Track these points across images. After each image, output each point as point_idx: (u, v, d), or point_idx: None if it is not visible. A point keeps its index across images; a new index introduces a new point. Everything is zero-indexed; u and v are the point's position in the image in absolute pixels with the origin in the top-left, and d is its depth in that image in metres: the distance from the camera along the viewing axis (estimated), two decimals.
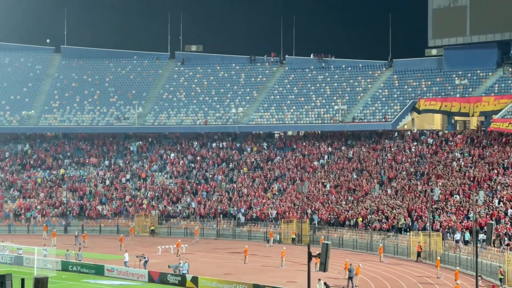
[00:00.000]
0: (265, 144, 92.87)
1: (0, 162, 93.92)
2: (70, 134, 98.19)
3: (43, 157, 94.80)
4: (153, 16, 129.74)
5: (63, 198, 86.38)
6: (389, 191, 75.15)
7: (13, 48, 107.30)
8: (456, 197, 68.71)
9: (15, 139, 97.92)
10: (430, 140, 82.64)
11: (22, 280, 28.67)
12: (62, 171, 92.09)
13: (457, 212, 66.14)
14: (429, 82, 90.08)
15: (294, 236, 73.66)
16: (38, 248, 58.60)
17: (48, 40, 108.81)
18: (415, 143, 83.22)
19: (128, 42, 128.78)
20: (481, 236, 59.04)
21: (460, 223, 63.99)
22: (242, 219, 79.80)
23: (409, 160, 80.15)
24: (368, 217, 70.92)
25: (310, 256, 32.72)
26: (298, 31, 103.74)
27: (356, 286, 51.91)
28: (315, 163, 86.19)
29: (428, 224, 64.74)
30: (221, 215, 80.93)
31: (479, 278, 47.86)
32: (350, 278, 51.45)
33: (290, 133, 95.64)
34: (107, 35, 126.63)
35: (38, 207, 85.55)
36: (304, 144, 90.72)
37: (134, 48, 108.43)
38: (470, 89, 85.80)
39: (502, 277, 51.42)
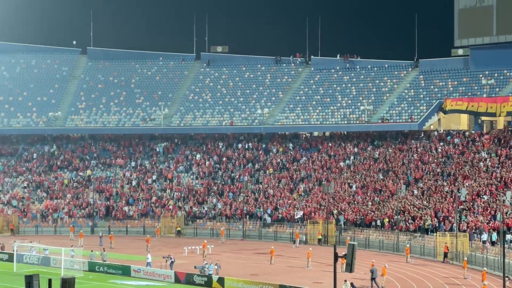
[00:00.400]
0: (290, 144, 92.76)
1: (28, 163, 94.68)
2: (96, 135, 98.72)
3: (69, 158, 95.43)
4: (178, 17, 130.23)
5: (90, 199, 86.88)
6: (415, 191, 74.74)
7: (40, 49, 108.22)
8: (483, 198, 68.17)
9: (42, 140, 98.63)
10: (456, 141, 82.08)
11: (49, 281, 28.91)
12: (88, 172, 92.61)
13: (484, 212, 65.63)
14: (456, 82, 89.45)
15: (320, 237, 73.50)
16: (65, 248, 58.93)
17: (74, 42, 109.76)
18: (441, 144, 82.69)
19: (154, 43, 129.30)
20: (508, 236, 58.54)
21: (487, 223, 63.49)
22: (268, 220, 79.76)
23: (435, 160, 79.65)
24: (394, 217, 70.58)
25: (336, 257, 32.64)
26: (323, 31, 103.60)
27: (383, 287, 51.67)
28: (341, 163, 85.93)
29: (455, 224, 64.30)
30: (247, 216, 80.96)
31: (506, 278, 47.46)
32: (373, 279, 51.26)
33: (316, 133, 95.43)
34: (133, 36, 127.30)
35: (65, 208, 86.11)
36: (330, 144, 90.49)
37: (160, 49, 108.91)
38: (497, 89, 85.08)
39: None
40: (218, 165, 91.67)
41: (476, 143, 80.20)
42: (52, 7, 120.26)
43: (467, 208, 67.19)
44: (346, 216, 74.86)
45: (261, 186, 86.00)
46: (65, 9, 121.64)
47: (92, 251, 62.05)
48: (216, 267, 55.18)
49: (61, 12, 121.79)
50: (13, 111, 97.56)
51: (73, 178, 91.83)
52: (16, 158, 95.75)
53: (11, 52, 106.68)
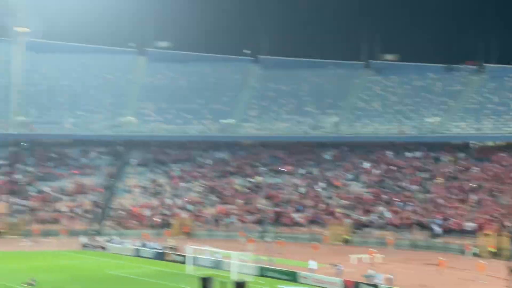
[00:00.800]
0: (461, 154, 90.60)
1: (202, 168, 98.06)
2: (267, 142, 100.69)
3: (241, 164, 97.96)
4: (348, 25, 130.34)
5: (260, 205, 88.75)
6: None
7: (214, 58, 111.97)
8: None
9: (216, 147, 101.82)
10: None
11: (223, 283, 30.12)
12: (258, 178, 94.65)
13: None
14: None
15: (492, 249, 71.27)
16: (236, 253, 60.47)
17: (247, 51, 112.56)
18: None
19: (324, 51, 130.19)
20: None
21: None
22: (438, 230, 78.27)
23: None
24: None
25: (511, 271, 31.84)
26: (497, 38, 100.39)
27: None
28: None
29: None
30: (416, 226, 79.81)
31: None
32: None
33: (488, 143, 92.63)
34: (303, 45, 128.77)
35: (236, 213, 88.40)
36: (503, 155, 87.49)
37: (330, 57, 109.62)
38: None
39: None
40: (386, 174, 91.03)
41: None
42: (225, 17, 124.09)
43: None
44: None
45: (430, 195, 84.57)
46: (239, 18, 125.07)
47: (261, 256, 63.36)
48: (390, 276, 54.50)
49: (233, 21, 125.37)
50: (189, 118, 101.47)
51: (244, 184, 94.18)
52: (191, 163, 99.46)
53: (188, 61, 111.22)
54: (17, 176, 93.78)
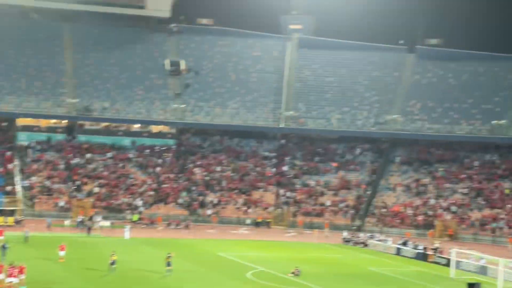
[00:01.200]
0: None
1: (469, 170, 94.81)
2: None
3: (511, 167, 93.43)
4: None
5: None
6: None
7: (487, 57, 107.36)
8: None
9: (484, 148, 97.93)
10: None
11: None
12: None
13: None
14: None
15: None
16: (504, 260, 57.55)
17: None
18: None
19: None
20: None
21: None
22: None
23: None
24: None
25: None
26: None
27: None
28: None
29: None
30: None
31: None
32: None
33: None
34: None
35: (505, 218, 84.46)
36: None
37: None
38: None
39: None
40: None
41: None
42: (494, 14, 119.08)
43: None
44: None
45: None
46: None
47: None
48: None
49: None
50: (457, 118, 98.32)
51: None
52: (457, 164, 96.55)
53: (459, 59, 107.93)
54: (285, 169, 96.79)
